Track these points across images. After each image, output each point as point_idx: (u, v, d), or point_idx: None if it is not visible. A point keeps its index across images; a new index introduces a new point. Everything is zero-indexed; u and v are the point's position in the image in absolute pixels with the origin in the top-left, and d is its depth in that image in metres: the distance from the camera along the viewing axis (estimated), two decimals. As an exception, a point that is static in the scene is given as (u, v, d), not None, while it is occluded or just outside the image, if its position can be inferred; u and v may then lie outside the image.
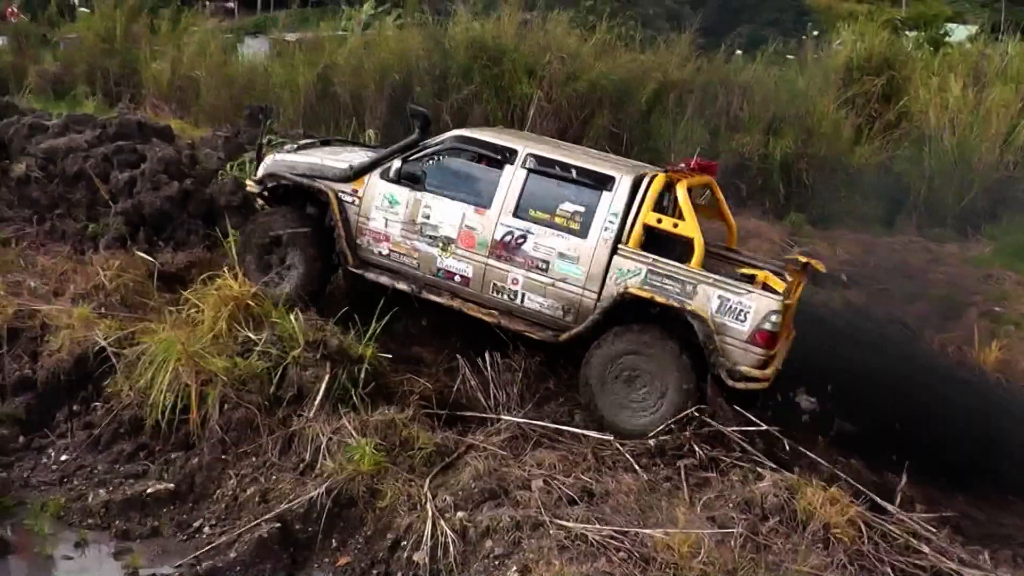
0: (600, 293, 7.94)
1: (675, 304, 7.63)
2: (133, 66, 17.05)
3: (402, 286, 8.62)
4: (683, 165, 8.60)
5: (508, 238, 8.20)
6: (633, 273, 7.79)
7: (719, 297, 7.54)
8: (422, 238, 8.56)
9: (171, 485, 6.92)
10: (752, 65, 15.93)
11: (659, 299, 7.68)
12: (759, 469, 6.96)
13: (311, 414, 6.99)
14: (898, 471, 7.44)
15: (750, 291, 7.57)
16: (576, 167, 8.14)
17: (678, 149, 13.23)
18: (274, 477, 6.74)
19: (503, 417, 7.44)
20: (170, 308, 8.20)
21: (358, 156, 9.19)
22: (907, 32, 22.41)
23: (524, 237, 8.15)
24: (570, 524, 5.97)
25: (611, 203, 7.94)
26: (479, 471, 6.57)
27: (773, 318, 7.43)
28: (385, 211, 8.70)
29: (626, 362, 7.82)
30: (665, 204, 8.28)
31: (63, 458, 7.53)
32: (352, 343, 7.53)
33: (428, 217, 8.51)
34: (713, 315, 7.55)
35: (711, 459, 7.12)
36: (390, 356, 7.79)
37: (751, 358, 7.53)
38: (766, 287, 7.77)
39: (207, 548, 6.28)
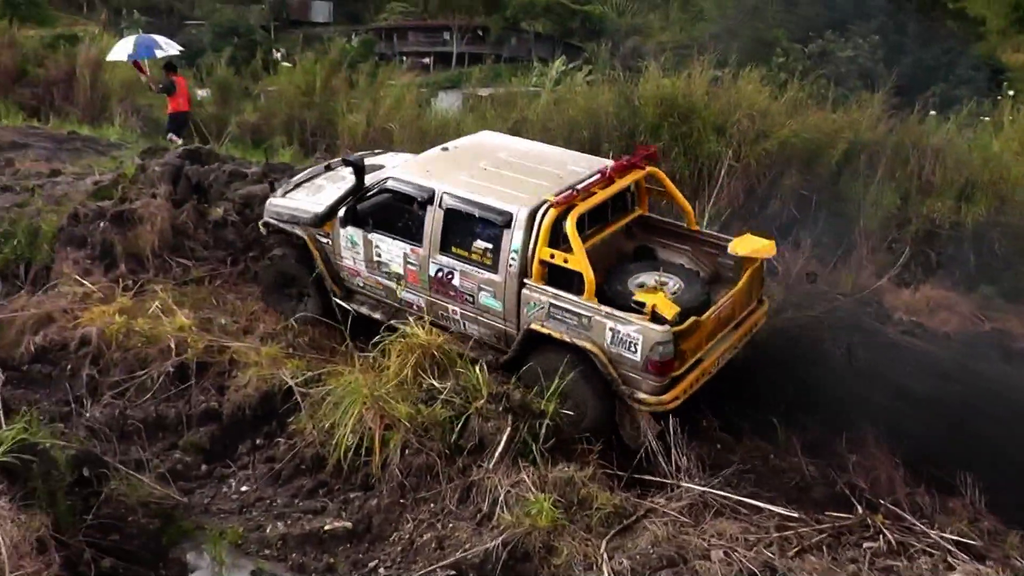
0: (518, 324, 8.23)
1: (567, 340, 7.84)
2: (330, 118, 17.50)
3: (377, 316, 9.13)
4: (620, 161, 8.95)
5: (440, 274, 8.64)
6: (539, 306, 8.03)
7: (610, 329, 7.68)
8: (380, 274, 9.13)
9: (349, 524, 7.09)
10: (945, 126, 15.19)
11: (555, 335, 7.92)
12: (950, 559, 6.55)
13: (491, 465, 7.01)
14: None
15: (636, 323, 7.61)
16: (479, 204, 8.31)
17: (868, 213, 12.69)
18: (451, 525, 6.79)
19: (683, 483, 7.23)
20: (358, 352, 8.41)
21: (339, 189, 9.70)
22: (1109, 91, 20.96)
23: (452, 273, 8.55)
24: (752, 601, 5.75)
25: (512, 239, 8.14)
26: (658, 536, 6.43)
27: (660, 349, 7.47)
28: (350, 250, 9.30)
29: (550, 377, 7.95)
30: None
31: (243, 489, 7.85)
32: (535, 398, 7.52)
33: (380, 256, 9.06)
34: (608, 347, 7.70)
35: (899, 544, 6.71)
36: (571, 413, 7.72)
37: (649, 385, 7.63)
38: (655, 316, 7.65)
39: (382, 589, 6.34)
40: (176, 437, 8.44)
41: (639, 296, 7.93)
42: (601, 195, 8.46)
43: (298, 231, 9.64)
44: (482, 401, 7.35)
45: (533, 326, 8.02)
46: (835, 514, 7.10)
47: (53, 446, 6.60)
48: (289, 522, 7.24)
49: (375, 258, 9.09)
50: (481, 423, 7.27)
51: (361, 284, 9.37)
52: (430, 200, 8.59)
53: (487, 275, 8.31)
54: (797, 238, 11.97)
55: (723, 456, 7.95)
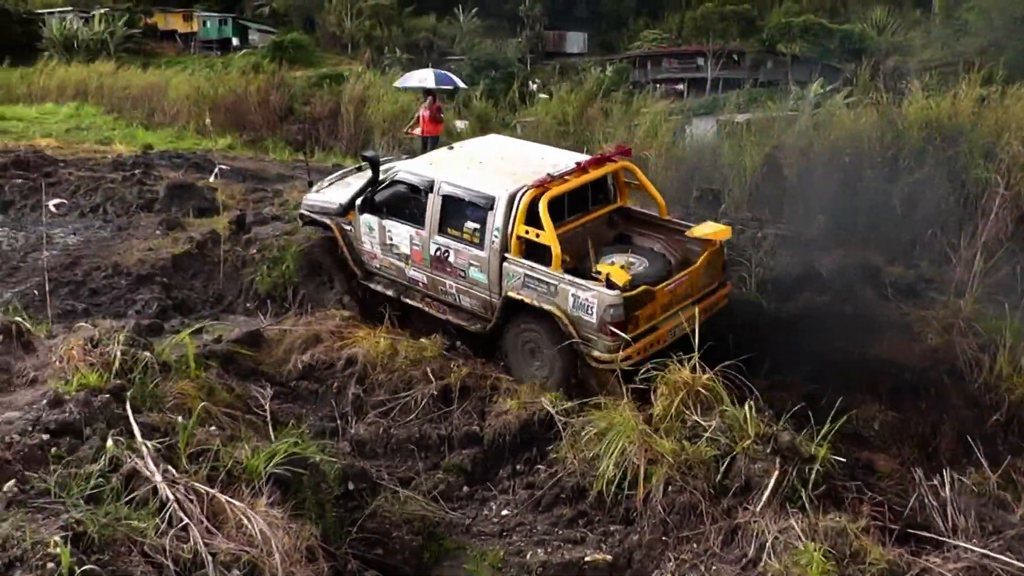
0: (501, 294, 9.57)
1: (536, 304, 9.21)
2: (586, 147, 17.87)
3: (389, 292, 10.77)
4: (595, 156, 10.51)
5: (439, 253, 10.09)
6: (516, 277, 9.37)
7: (572, 295, 8.97)
8: (392, 255, 10.67)
9: (609, 557, 7.12)
10: None
11: (527, 300, 9.27)
12: None
13: (758, 509, 6.83)
14: None
15: (592, 288, 8.90)
16: (468, 190, 9.77)
17: None
18: (715, 567, 6.68)
19: (960, 544, 6.79)
20: (625, 386, 8.40)
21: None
22: None
23: (448, 251, 10.01)
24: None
25: (494, 219, 9.51)
26: (933, 599, 6.07)
27: (611, 311, 8.76)
28: (368, 236, 10.88)
29: (526, 339, 9.60)
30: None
31: (504, 513, 8.06)
32: (804, 441, 7.31)
33: (391, 239, 10.59)
34: (570, 310, 9.01)
35: None
36: (843, 460, 7.45)
37: (603, 344, 8.90)
38: (609, 283, 8.82)
39: (641, 624, 6.34)
40: (438, 458, 8.79)
41: (598, 267, 9.25)
42: (574, 182, 9.86)
43: (327, 220, 11.27)
44: (748, 441, 7.21)
45: (510, 293, 9.39)
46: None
47: (322, 460, 6.99)
48: (549, 549, 7.33)
49: (387, 241, 10.62)
50: (747, 464, 7.12)
51: (378, 266, 10.93)
52: (430, 188, 10.08)
53: (475, 252, 9.74)
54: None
55: (1000, 515, 7.42)
